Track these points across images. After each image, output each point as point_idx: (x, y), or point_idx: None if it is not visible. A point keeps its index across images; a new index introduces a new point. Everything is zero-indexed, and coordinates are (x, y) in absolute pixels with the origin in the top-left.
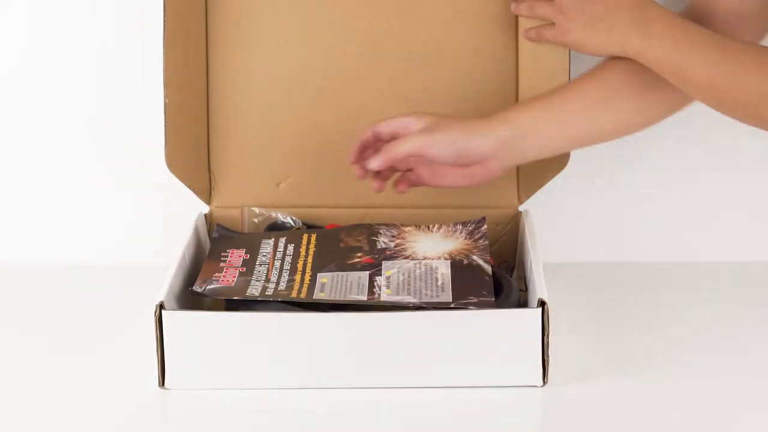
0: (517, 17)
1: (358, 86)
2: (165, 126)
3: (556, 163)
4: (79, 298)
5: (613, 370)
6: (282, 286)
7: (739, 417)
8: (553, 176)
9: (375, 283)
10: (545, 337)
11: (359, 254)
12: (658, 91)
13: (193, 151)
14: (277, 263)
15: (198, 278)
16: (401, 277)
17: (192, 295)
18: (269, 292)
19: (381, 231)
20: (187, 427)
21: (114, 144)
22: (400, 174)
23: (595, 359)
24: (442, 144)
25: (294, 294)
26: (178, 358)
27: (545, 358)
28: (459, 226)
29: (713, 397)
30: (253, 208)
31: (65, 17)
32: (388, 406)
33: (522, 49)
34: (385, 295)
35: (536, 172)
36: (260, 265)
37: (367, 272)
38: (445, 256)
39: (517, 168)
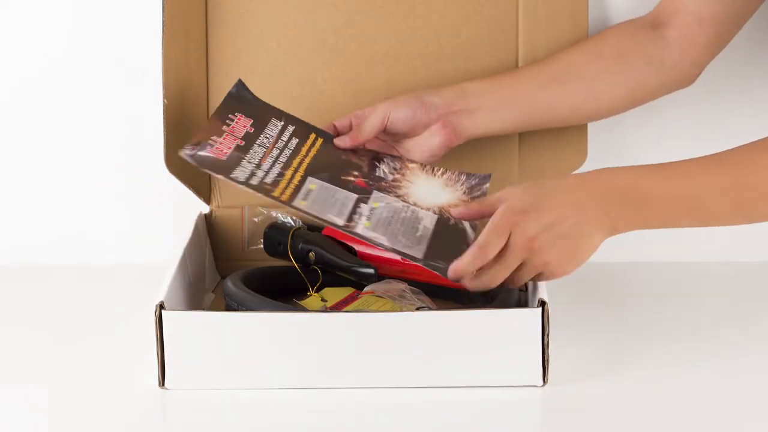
0: (517, 18)
1: (358, 86)
2: (164, 127)
3: (567, 160)
4: (79, 298)
5: (613, 370)
6: (269, 178)
7: (739, 417)
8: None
9: (358, 210)
10: (545, 337)
11: (356, 173)
12: (612, 82)
13: None
14: (276, 152)
15: (193, 137)
16: (385, 214)
17: (179, 159)
18: (254, 181)
19: (385, 159)
20: (187, 427)
21: (114, 144)
22: None
23: (595, 359)
24: (400, 104)
25: (277, 192)
26: (178, 358)
27: (545, 358)
28: (462, 177)
29: (713, 397)
30: (253, 208)
31: (64, 18)
32: (389, 406)
33: (522, 50)
34: (361, 227)
35: (538, 170)
36: (259, 145)
37: (356, 195)
38: (435, 209)
39: (518, 168)
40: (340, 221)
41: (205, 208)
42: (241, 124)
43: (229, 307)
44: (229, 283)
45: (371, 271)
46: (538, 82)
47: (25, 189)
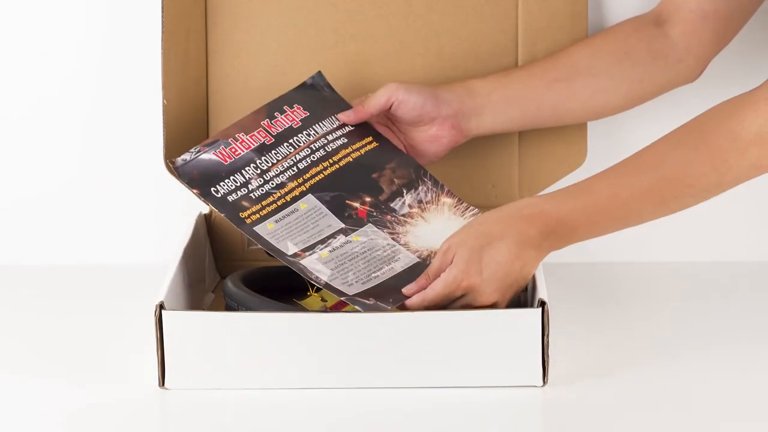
0: (517, 18)
1: (358, 86)
2: (164, 127)
3: (567, 160)
4: (80, 298)
5: (613, 370)
6: (264, 189)
7: (738, 417)
8: (564, 175)
9: (329, 240)
10: (545, 337)
11: (368, 198)
12: (618, 79)
13: None
14: (305, 152)
15: (214, 134)
16: (356, 249)
17: (173, 165)
18: (236, 195)
19: (419, 188)
20: (187, 427)
21: (114, 145)
22: None
23: (595, 359)
24: (412, 90)
25: (247, 212)
26: (178, 358)
27: (545, 358)
28: None
29: (714, 397)
30: None
31: (63, 17)
32: (388, 407)
33: (522, 50)
34: (315, 257)
35: (538, 171)
36: (290, 144)
37: (341, 226)
38: (425, 252)
39: (518, 167)
40: (294, 249)
41: (205, 209)
42: (291, 117)
43: (229, 307)
44: (229, 283)
45: None
46: (544, 81)
47: (24, 189)
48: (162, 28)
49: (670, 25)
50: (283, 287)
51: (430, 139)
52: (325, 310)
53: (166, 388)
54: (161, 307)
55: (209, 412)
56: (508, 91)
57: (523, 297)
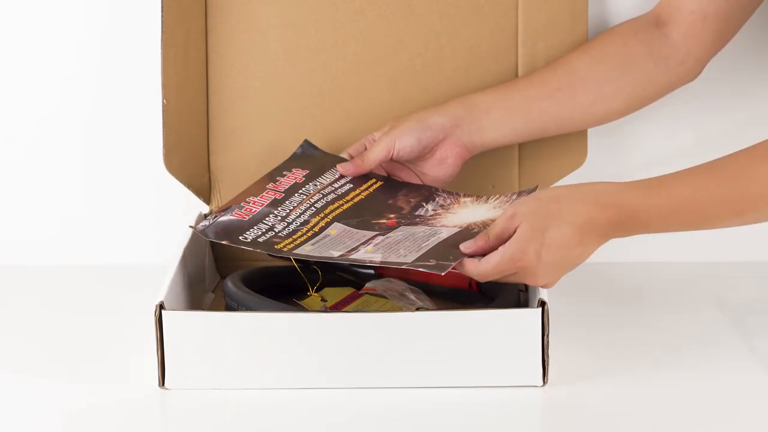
0: (517, 18)
1: (358, 87)
2: (163, 127)
3: (568, 160)
4: (80, 298)
5: (613, 370)
6: (289, 229)
7: (738, 417)
8: (564, 175)
9: (369, 241)
10: (545, 337)
11: (392, 215)
12: (619, 85)
13: (193, 151)
14: (317, 197)
15: (227, 201)
16: (398, 238)
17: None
18: (264, 237)
19: (437, 198)
20: (187, 427)
21: (114, 145)
22: None
23: (594, 359)
24: (404, 133)
25: (282, 245)
26: (178, 358)
27: (545, 358)
28: (514, 196)
29: (713, 398)
30: None
31: (63, 17)
32: (388, 407)
33: (522, 51)
34: (362, 252)
35: (538, 171)
36: (301, 194)
37: (376, 233)
38: (464, 224)
39: (518, 167)
40: (337, 254)
41: (205, 208)
42: (293, 177)
43: (229, 307)
44: (229, 283)
45: (371, 271)
46: (546, 92)
47: (25, 189)
48: (162, 28)
49: (671, 27)
50: (283, 287)
51: (437, 162)
52: (325, 310)
53: (166, 388)
54: (161, 307)
55: (209, 412)
56: (509, 104)
57: (523, 297)
